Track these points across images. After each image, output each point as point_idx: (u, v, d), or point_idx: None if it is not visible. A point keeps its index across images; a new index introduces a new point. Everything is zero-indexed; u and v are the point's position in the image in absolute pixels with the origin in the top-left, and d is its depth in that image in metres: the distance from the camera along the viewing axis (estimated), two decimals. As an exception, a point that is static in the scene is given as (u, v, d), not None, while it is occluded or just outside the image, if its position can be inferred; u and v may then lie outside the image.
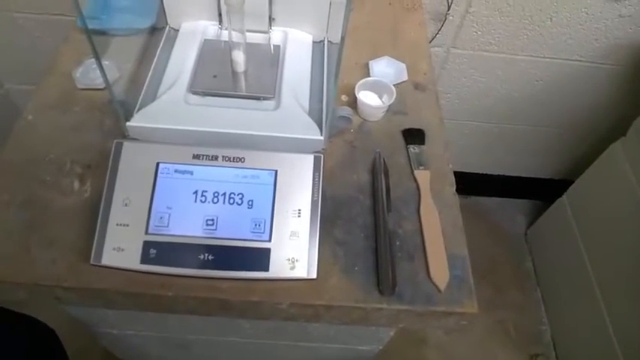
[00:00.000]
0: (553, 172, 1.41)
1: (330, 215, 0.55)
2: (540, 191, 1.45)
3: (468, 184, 1.35)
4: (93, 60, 0.65)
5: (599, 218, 1.10)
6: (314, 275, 0.50)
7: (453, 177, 0.62)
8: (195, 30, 0.67)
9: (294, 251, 0.50)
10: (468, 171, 1.39)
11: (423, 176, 0.60)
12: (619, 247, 1.02)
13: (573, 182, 1.20)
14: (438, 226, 0.56)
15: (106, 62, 0.53)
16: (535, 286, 1.35)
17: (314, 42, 0.70)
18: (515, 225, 1.46)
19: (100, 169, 0.55)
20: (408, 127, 0.65)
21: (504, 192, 1.49)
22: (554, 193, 1.27)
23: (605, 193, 1.09)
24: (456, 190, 0.61)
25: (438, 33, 0.97)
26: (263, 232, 0.50)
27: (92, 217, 0.51)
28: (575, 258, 1.15)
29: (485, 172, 1.42)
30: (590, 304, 1.09)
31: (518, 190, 1.48)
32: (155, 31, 0.68)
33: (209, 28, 0.68)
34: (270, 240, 0.50)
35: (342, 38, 0.48)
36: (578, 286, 1.15)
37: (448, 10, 0.93)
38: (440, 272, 0.53)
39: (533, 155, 1.34)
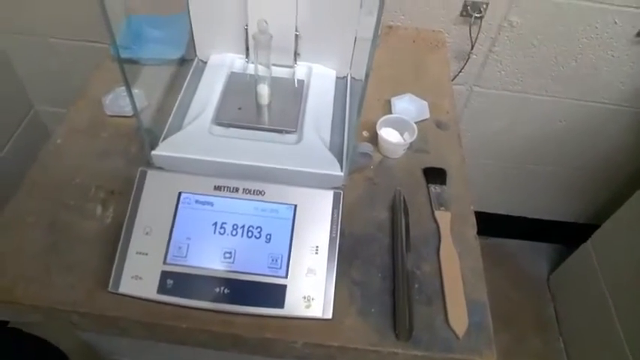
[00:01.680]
0: (577, 216, 1.39)
1: (348, 253, 0.55)
2: (564, 235, 1.42)
3: (489, 225, 1.33)
4: (122, 88, 0.69)
5: (625, 265, 1.07)
6: (329, 315, 0.50)
7: (475, 219, 0.62)
8: (222, 63, 0.70)
9: (311, 289, 0.50)
10: (489, 211, 1.37)
11: (443, 217, 0.60)
12: (647, 297, 0.99)
13: (598, 227, 1.17)
14: (457, 270, 0.56)
15: (136, 91, 0.56)
16: (557, 335, 1.30)
17: (337, 77, 0.72)
18: (538, 269, 1.43)
19: (124, 195, 0.57)
20: (429, 165, 0.66)
21: (527, 235, 1.46)
22: (578, 238, 1.25)
23: (631, 240, 1.06)
24: (477, 231, 0.60)
25: (460, 71, 0.98)
26: (280, 268, 0.50)
27: (112, 243, 0.52)
28: (600, 306, 1.11)
29: (507, 214, 1.40)
30: (615, 355, 1.04)
31: (540, 233, 1.45)
32: (184, 62, 0.71)
33: (236, 61, 0.71)
34: (286, 276, 0.50)
35: (367, 75, 0.50)
36: (603, 336, 1.11)
37: (472, 48, 0.95)
38: (458, 318, 0.52)
39: (557, 198, 1.32)
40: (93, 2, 0.97)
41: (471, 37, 0.93)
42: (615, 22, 0.90)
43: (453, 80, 0.98)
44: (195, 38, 0.70)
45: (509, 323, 1.28)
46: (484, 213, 1.36)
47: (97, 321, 0.51)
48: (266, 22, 0.57)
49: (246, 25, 0.66)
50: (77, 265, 0.52)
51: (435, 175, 0.64)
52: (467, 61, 0.97)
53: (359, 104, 0.53)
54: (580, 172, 1.23)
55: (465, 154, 0.69)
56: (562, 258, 1.33)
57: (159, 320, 0.49)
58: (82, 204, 0.57)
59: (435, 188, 0.63)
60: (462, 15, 0.91)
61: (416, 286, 0.54)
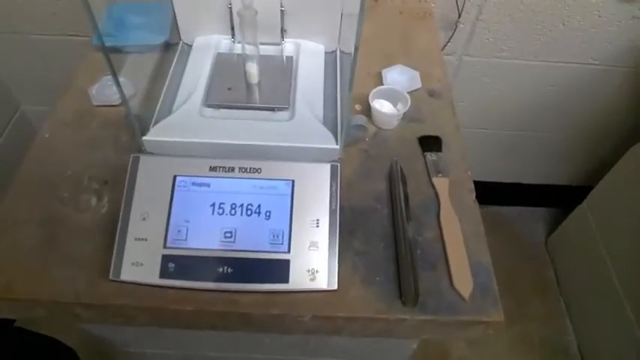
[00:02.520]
0: (572, 179, 1.39)
1: (349, 225, 0.55)
2: (559, 198, 1.43)
3: (485, 193, 1.33)
4: (108, 77, 0.67)
5: (621, 223, 1.08)
6: (335, 286, 0.49)
7: (472, 184, 0.61)
8: (208, 44, 0.68)
9: (314, 262, 0.49)
10: (484, 180, 1.37)
11: (441, 184, 0.60)
12: (645, 253, 0.99)
13: (593, 188, 1.18)
14: (459, 234, 0.56)
15: (122, 79, 0.54)
16: (558, 296, 1.31)
17: (326, 52, 0.71)
18: (535, 234, 1.43)
19: (117, 184, 0.55)
20: (423, 134, 0.65)
21: (523, 200, 1.47)
22: (573, 200, 1.25)
23: (626, 198, 1.07)
24: (475, 194, 0.60)
25: (449, 41, 0.97)
26: (282, 244, 0.50)
27: (110, 232, 0.51)
28: (599, 265, 1.12)
29: (502, 181, 1.40)
30: (616, 312, 1.06)
31: (536, 198, 1.46)
32: (169, 46, 0.69)
33: (222, 42, 0.69)
34: (289, 251, 0.50)
35: (356, 48, 0.49)
36: (603, 294, 1.12)
37: (459, 17, 0.93)
38: (463, 281, 0.52)
39: (551, 162, 1.32)
40: (71, -6, 0.94)
41: (457, 6, 0.91)
42: (600, -19, 0.89)
43: (442, 50, 0.96)
44: (178, 22, 0.68)
45: (511, 288, 1.29)
46: (479, 182, 1.35)
47: (100, 311, 0.50)
48: (250, -4, 0.56)
49: (230, 4, 0.64)
50: (76, 257, 0.51)
51: (430, 143, 0.64)
52: (455, 31, 0.96)
53: (350, 77, 0.52)
54: (573, 135, 1.23)
55: (459, 123, 0.68)
56: (559, 221, 1.33)
57: (163, 305, 0.49)
58: (76, 196, 0.56)
59: (431, 156, 0.63)
60: (446, -17, 0.90)
61: (418, 252, 0.54)
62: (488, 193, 1.37)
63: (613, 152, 1.19)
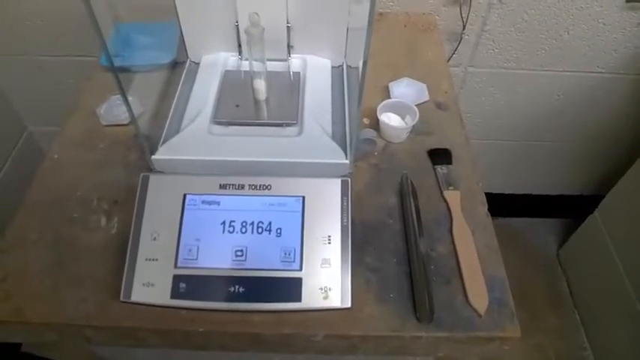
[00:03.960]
0: (582, 188, 1.38)
1: (360, 241, 0.54)
2: (570, 209, 1.41)
3: (495, 205, 1.32)
4: (116, 97, 0.68)
5: (633, 232, 1.06)
6: (348, 304, 0.48)
7: (484, 196, 0.61)
8: (215, 62, 0.69)
9: (327, 280, 0.49)
10: (494, 192, 1.36)
11: (453, 197, 0.59)
12: (660, 262, 0.98)
13: (604, 197, 1.17)
14: (472, 248, 0.55)
15: (130, 98, 0.54)
16: (572, 309, 1.29)
17: (333, 67, 0.71)
18: (547, 245, 1.42)
19: (127, 204, 0.55)
20: (433, 147, 0.65)
21: (533, 212, 1.45)
22: (585, 210, 1.24)
23: (637, 206, 1.05)
24: (487, 207, 0.59)
25: (454, 52, 0.98)
26: (293, 261, 0.49)
27: (120, 253, 0.51)
28: (613, 276, 1.10)
29: (512, 192, 1.39)
30: (632, 325, 1.04)
31: (547, 209, 1.45)
32: (176, 65, 0.70)
33: (229, 59, 0.70)
34: (301, 269, 0.49)
35: (365, 62, 0.49)
36: (618, 306, 1.10)
37: (463, 29, 0.94)
38: (478, 296, 0.51)
39: (561, 172, 1.32)
40: (76, 16, 0.96)
41: (461, 18, 0.92)
42: (604, -10, 0.89)
43: (447, 62, 0.97)
44: (185, 40, 0.69)
45: (524, 301, 1.27)
46: (489, 193, 1.34)
47: (111, 333, 0.50)
48: (257, 14, 0.56)
49: (237, 22, 0.65)
50: (86, 279, 0.51)
51: (440, 156, 0.63)
52: (459, 43, 0.96)
53: (359, 91, 0.52)
54: (581, 144, 1.23)
55: (468, 135, 0.68)
56: (570, 232, 1.32)
57: (175, 326, 0.48)
58: (86, 217, 0.56)
59: (441, 169, 0.62)
60: (450, -4, 0.91)
61: (432, 267, 0.53)
62: (498, 205, 1.36)
63: (623, 160, 1.18)
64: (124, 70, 0.66)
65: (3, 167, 1.10)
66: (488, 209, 0.59)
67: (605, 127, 1.17)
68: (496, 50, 1.00)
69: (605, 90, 1.08)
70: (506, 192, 1.38)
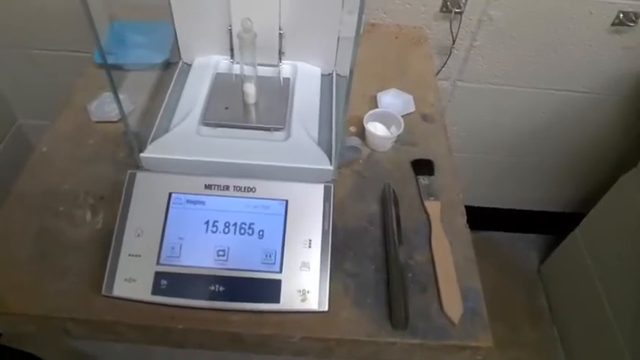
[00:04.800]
0: (564, 206, 1.41)
1: (341, 246, 0.56)
2: (552, 225, 1.45)
3: (478, 218, 1.35)
4: (107, 94, 0.69)
5: (613, 251, 1.09)
6: (325, 308, 0.50)
7: (464, 208, 0.63)
8: (207, 64, 0.70)
9: (305, 283, 0.50)
10: (477, 205, 1.39)
11: (433, 207, 0.61)
12: (636, 280, 1.01)
13: (585, 215, 1.20)
14: (449, 258, 0.57)
15: (121, 96, 0.56)
16: (551, 324, 1.32)
17: (322, 75, 0.73)
18: (528, 261, 1.44)
19: (113, 200, 0.57)
20: (416, 157, 0.67)
21: (515, 227, 1.48)
22: (566, 227, 1.27)
23: (618, 226, 1.08)
24: (466, 218, 0.61)
25: (443, 66, 1.00)
26: (274, 263, 0.51)
27: (104, 248, 0.52)
28: (591, 294, 1.13)
29: (495, 206, 1.42)
30: (608, 341, 1.06)
31: (529, 225, 1.48)
32: (169, 65, 0.71)
33: (221, 62, 0.71)
34: (280, 271, 0.51)
35: (351, 71, 0.51)
36: (595, 323, 1.12)
37: (453, 44, 0.96)
38: (453, 305, 0.53)
39: (544, 188, 1.35)
40: (74, 12, 0.97)
41: (452, 33, 0.95)
42: (591, 13, 0.92)
43: (436, 75, 0.99)
44: (179, 41, 0.70)
45: (503, 315, 1.30)
46: (472, 207, 1.37)
47: (91, 326, 0.51)
48: (250, 20, 0.58)
49: (230, 26, 0.67)
50: (69, 272, 0.52)
51: (423, 167, 0.66)
52: (449, 57, 0.99)
53: (345, 99, 0.54)
54: (565, 162, 1.26)
55: (451, 148, 0.70)
56: (552, 248, 1.35)
57: (155, 322, 0.49)
58: (72, 211, 0.57)
59: (423, 179, 0.64)
60: (441, 11, 0.93)
61: (409, 275, 0.55)
62: (482, 219, 1.39)
63: (605, 180, 1.22)
64: (117, 67, 0.67)
65: (-10, 159, 1.10)
66: (471, 222, 0.61)
67: (588, 145, 1.21)
68: (484, 66, 1.02)
69: (590, 109, 1.11)
70: (490, 205, 1.41)
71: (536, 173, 1.29)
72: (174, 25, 0.69)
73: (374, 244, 0.57)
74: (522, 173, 1.29)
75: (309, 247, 0.52)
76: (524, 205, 1.42)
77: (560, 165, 1.27)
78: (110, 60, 0.54)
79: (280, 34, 0.68)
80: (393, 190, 0.62)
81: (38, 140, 0.65)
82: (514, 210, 1.43)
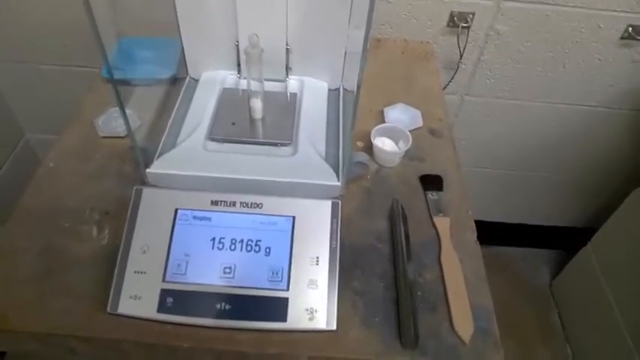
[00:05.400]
0: (575, 220, 1.40)
1: (348, 264, 0.56)
2: (563, 240, 1.43)
3: (488, 233, 1.34)
4: (115, 109, 0.70)
5: (626, 267, 1.08)
6: (333, 326, 0.49)
7: (474, 224, 0.62)
8: (214, 79, 0.71)
9: (313, 301, 0.50)
10: (487, 220, 1.38)
11: (442, 223, 0.61)
12: (651, 298, 0.99)
13: (597, 230, 1.18)
14: (460, 275, 0.56)
15: (128, 111, 0.56)
16: (564, 342, 1.29)
17: (329, 90, 0.73)
18: (539, 276, 1.43)
19: (118, 216, 0.57)
20: (425, 173, 0.67)
21: (526, 242, 1.47)
22: (578, 242, 1.25)
23: (630, 241, 1.07)
24: (476, 234, 0.61)
25: (451, 80, 1.00)
26: (281, 281, 0.50)
27: (109, 264, 0.52)
28: (605, 310, 1.11)
29: (505, 221, 1.41)
30: (624, 360, 1.04)
31: (540, 240, 1.46)
32: (176, 81, 0.72)
33: (228, 77, 0.72)
34: (288, 289, 0.50)
35: (358, 86, 0.51)
36: (610, 341, 1.10)
37: (460, 58, 0.97)
38: (464, 323, 0.52)
39: (554, 203, 1.34)
40: (82, 28, 0.99)
41: (459, 47, 0.95)
42: (600, 27, 0.92)
43: (443, 90, 0.99)
44: (186, 57, 0.71)
45: (515, 333, 1.27)
46: (482, 221, 1.36)
47: (96, 344, 0.50)
48: (257, 35, 0.59)
49: (237, 42, 0.67)
50: (74, 289, 0.52)
51: (431, 182, 0.65)
52: (456, 71, 0.99)
53: (352, 114, 0.54)
54: (576, 176, 1.25)
55: (460, 162, 0.70)
56: (563, 263, 1.33)
57: (160, 340, 0.49)
58: (77, 226, 0.57)
59: (432, 195, 0.64)
60: (448, 26, 0.94)
61: (419, 293, 0.54)
62: (492, 234, 1.38)
63: (616, 194, 1.21)
64: (125, 82, 0.68)
65: (-1, 172, 1.11)
66: (481, 237, 0.61)
67: (599, 159, 1.20)
68: (492, 80, 1.03)
69: (599, 123, 1.11)
70: (500, 220, 1.40)
71: (546, 187, 1.28)
72: (181, 40, 0.69)
73: (382, 262, 0.57)
74: (532, 187, 1.29)
75: (317, 264, 0.51)
76: (534, 220, 1.41)
77: (571, 179, 1.26)
78: (118, 75, 0.55)
79: (287, 49, 0.69)
80: (402, 206, 0.61)
81: (45, 154, 0.66)
82: (524, 225, 1.41)
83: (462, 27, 0.93)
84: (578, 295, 1.28)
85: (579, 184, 1.27)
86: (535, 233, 1.43)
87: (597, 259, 1.17)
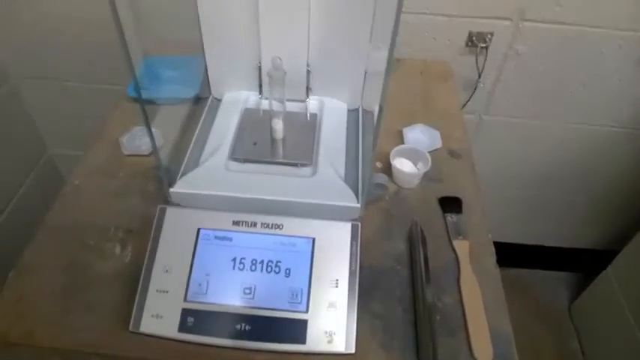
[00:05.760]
0: (595, 243, 1.38)
1: (368, 286, 0.56)
2: (583, 263, 1.41)
3: (506, 254, 1.33)
4: (139, 127, 0.72)
5: (650, 292, 1.06)
6: (352, 350, 0.49)
7: (493, 247, 0.62)
8: (237, 99, 0.73)
9: (332, 324, 0.50)
10: (505, 241, 1.37)
11: (461, 246, 0.61)
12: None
13: (618, 253, 1.16)
14: (479, 300, 0.56)
15: (153, 129, 0.58)
16: (584, 368, 1.27)
17: (349, 110, 0.74)
18: (558, 299, 1.40)
19: (142, 234, 0.58)
20: (444, 194, 0.67)
21: (545, 264, 1.45)
22: (598, 265, 1.23)
23: (654, 265, 1.05)
24: (496, 258, 0.61)
25: (469, 100, 1.01)
26: (300, 303, 0.51)
27: (132, 282, 0.53)
28: (627, 336, 1.09)
29: (524, 243, 1.39)
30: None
31: (559, 262, 1.44)
32: (199, 100, 0.74)
33: (250, 97, 0.74)
34: (307, 311, 0.51)
35: (380, 108, 0.51)
36: (633, 367, 1.08)
37: (479, 77, 0.97)
38: (483, 349, 0.52)
39: (574, 224, 1.32)
40: (106, 47, 1.02)
41: (477, 67, 0.96)
42: (620, 47, 0.92)
43: (462, 109, 1.00)
44: (209, 77, 0.73)
45: (533, 356, 1.25)
46: (500, 243, 1.34)
47: (117, 362, 0.51)
48: (280, 58, 0.60)
49: (260, 63, 0.69)
50: (97, 306, 0.53)
51: (450, 205, 0.65)
52: (475, 90, 1.00)
53: (374, 136, 0.55)
54: (595, 197, 1.23)
55: (479, 185, 0.70)
56: (583, 287, 1.31)
57: (180, 360, 0.50)
58: (102, 244, 0.59)
59: (451, 217, 0.64)
60: (467, 45, 0.95)
61: (438, 317, 0.54)
62: (510, 255, 1.37)
63: (637, 216, 1.19)
64: (149, 102, 0.70)
65: (21, 187, 1.14)
66: (499, 258, 0.61)
67: (620, 181, 1.18)
68: (511, 100, 1.03)
69: (620, 144, 1.10)
70: (518, 242, 1.38)
71: (566, 208, 1.27)
72: (205, 61, 0.71)
73: (401, 285, 0.57)
74: (551, 208, 1.27)
75: (336, 287, 0.52)
76: (553, 242, 1.39)
77: (590, 200, 1.24)
78: (145, 95, 0.57)
79: (308, 70, 0.70)
80: (421, 228, 0.62)
81: (67, 169, 0.68)
82: (543, 246, 1.40)
83: (481, 47, 0.94)
84: (598, 320, 1.25)
85: (599, 205, 1.25)
86: (554, 255, 1.41)
87: (618, 283, 1.15)
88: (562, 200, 1.25)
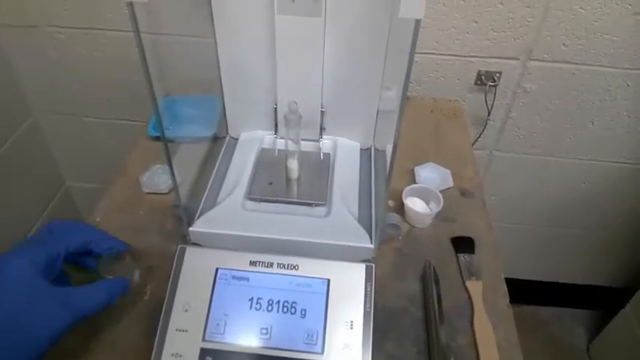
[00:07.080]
0: (612, 280, 1.37)
1: (382, 327, 0.57)
2: (600, 300, 1.40)
3: (521, 292, 1.32)
4: (158, 165, 0.75)
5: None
6: (367, 391, 0.51)
7: (506, 288, 0.63)
8: (253, 139, 0.76)
9: (347, 365, 0.51)
10: (519, 277, 1.36)
11: (474, 287, 0.62)
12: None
13: (634, 290, 1.16)
14: (492, 342, 0.57)
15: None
16: (604, 410, 1.24)
17: (361, 149, 0.77)
18: (576, 338, 1.39)
19: (160, 271, 0.61)
20: (456, 234, 0.69)
21: (561, 301, 1.45)
22: (615, 303, 1.23)
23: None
24: (509, 299, 0.62)
25: (479, 137, 1.04)
26: (315, 344, 0.52)
27: (151, 319, 0.55)
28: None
29: (539, 279, 1.39)
30: None
31: (575, 299, 1.44)
32: (216, 139, 0.78)
33: (265, 137, 0.77)
34: (322, 352, 0.52)
35: (394, 148, 0.54)
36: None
37: (489, 115, 1.01)
38: (498, 392, 0.53)
39: (589, 261, 1.32)
40: (125, 84, 1.07)
41: (487, 104, 0.99)
42: (627, 85, 0.95)
43: (472, 145, 1.03)
44: (227, 117, 0.77)
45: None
46: (514, 279, 1.35)
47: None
48: (296, 103, 0.64)
49: (276, 105, 0.73)
50: (118, 344, 0.55)
51: (463, 244, 0.67)
52: (485, 127, 1.03)
53: (387, 176, 0.57)
54: (610, 233, 1.24)
55: (491, 224, 0.72)
56: (601, 325, 1.30)
57: (197, 400, 0.51)
58: (121, 280, 0.61)
59: (464, 257, 0.66)
60: (476, 84, 0.98)
61: (452, 359, 0.55)
62: (524, 292, 1.36)
63: (654, 252, 1.19)
64: (169, 140, 0.74)
65: (38, 220, 1.18)
66: (513, 295, 0.62)
67: (635, 217, 1.19)
68: (521, 137, 1.06)
69: (632, 180, 1.11)
70: (532, 278, 1.38)
71: (580, 245, 1.27)
72: (223, 101, 0.75)
73: (415, 325, 0.58)
74: (565, 244, 1.28)
75: (351, 328, 0.53)
76: (568, 279, 1.38)
77: (605, 236, 1.25)
78: (166, 134, 0.60)
79: (322, 111, 0.74)
80: (434, 268, 0.63)
81: (83, 201, 0.71)
82: (558, 283, 1.39)
83: (490, 85, 0.97)
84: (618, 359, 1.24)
85: (615, 241, 1.25)
86: (570, 292, 1.40)
87: (638, 321, 1.14)
88: (576, 235, 1.25)
